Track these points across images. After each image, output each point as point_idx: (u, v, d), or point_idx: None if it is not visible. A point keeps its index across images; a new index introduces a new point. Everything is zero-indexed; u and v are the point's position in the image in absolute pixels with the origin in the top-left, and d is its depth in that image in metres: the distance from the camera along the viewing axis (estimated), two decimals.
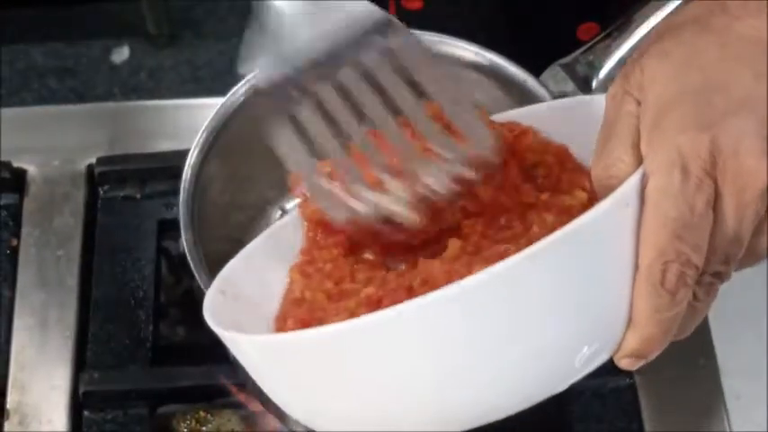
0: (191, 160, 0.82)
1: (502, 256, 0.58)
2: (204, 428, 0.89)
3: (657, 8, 0.79)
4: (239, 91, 0.84)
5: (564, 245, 0.56)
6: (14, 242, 0.96)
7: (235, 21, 2.15)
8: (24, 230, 0.97)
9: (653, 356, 0.60)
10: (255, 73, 0.64)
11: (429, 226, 0.64)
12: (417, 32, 0.84)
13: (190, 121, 0.99)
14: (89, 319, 0.93)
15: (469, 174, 0.63)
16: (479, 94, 0.83)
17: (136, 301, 0.93)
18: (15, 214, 0.97)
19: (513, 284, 0.55)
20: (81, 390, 0.89)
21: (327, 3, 0.66)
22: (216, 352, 0.86)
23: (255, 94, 0.64)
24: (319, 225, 0.68)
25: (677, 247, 0.57)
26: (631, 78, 0.61)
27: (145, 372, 0.91)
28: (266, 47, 0.66)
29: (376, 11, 0.66)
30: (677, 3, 0.79)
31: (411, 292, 0.60)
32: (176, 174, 0.83)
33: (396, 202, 0.63)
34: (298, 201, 0.70)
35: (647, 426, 0.88)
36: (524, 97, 0.81)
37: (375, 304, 0.60)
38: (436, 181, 0.63)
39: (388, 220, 0.64)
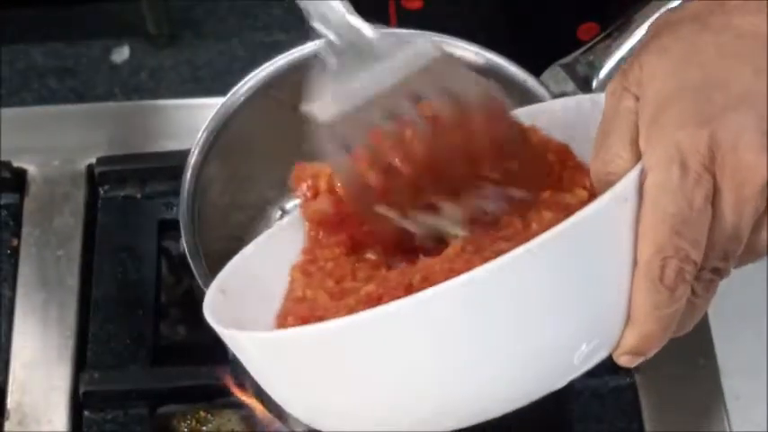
0: (191, 160, 0.82)
1: (501, 254, 0.58)
2: (204, 428, 0.89)
3: (657, 8, 0.79)
4: (239, 91, 0.84)
5: (562, 240, 0.56)
6: (15, 242, 0.96)
7: (235, 21, 2.15)
8: (25, 230, 0.97)
9: (652, 353, 0.60)
10: (316, 109, 0.65)
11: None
12: (418, 32, 0.85)
13: (190, 121, 0.99)
14: (89, 319, 0.93)
15: (520, 194, 0.64)
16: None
17: (136, 300, 0.93)
18: (16, 214, 0.98)
19: (511, 279, 0.55)
20: (81, 390, 0.89)
21: (390, 39, 0.66)
22: (216, 352, 0.87)
23: (317, 129, 0.64)
24: (321, 225, 0.68)
25: (676, 242, 0.57)
26: (630, 75, 0.62)
27: (145, 372, 0.91)
28: (328, 85, 0.66)
29: (436, 48, 0.66)
30: (677, 2, 0.79)
31: (411, 290, 0.60)
32: (176, 174, 0.83)
33: (451, 224, 0.64)
34: (298, 201, 0.71)
35: (647, 425, 0.88)
36: (524, 97, 0.81)
37: (375, 301, 0.61)
38: (491, 203, 0.64)
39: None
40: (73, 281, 0.94)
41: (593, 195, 0.64)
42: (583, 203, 0.63)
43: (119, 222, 0.97)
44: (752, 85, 0.59)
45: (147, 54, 2.12)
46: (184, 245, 0.79)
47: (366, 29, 0.67)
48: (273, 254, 0.69)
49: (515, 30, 0.96)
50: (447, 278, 0.57)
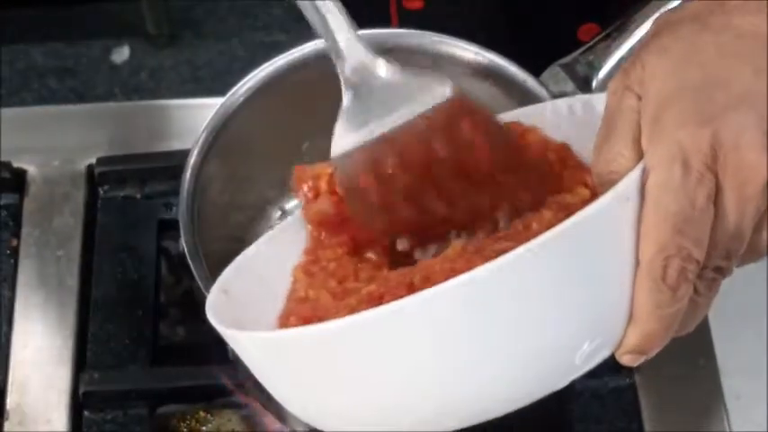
0: (190, 160, 0.82)
1: (502, 253, 0.58)
2: (204, 428, 0.89)
3: (657, 8, 0.79)
4: (239, 91, 0.84)
5: (564, 239, 0.56)
6: (14, 242, 0.96)
7: (235, 21, 2.15)
8: (24, 230, 0.97)
9: (654, 352, 0.60)
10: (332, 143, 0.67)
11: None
12: (418, 32, 0.85)
13: (190, 121, 0.99)
14: (89, 319, 0.93)
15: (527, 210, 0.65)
16: (479, 95, 0.83)
17: (136, 301, 0.93)
18: (15, 214, 0.97)
19: (512, 279, 0.55)
20: (81, 390, 0.89)
21: (405, 77, 0.68)
22: (216, 352, 0.87)
23: (333, 159, 0.66)
24: (323, 226, 0.68)
25: (678, 241, 0.57)
26: (632, 74, 0.62)
27: (145, 372, 0.91)
28: (342, 120, 0.68)
29: (450, 85, 0.67)
30: (676, 2, 0.79)
31: (412, 289, 0.60)
32: (176, 174, 0.83)
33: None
34: (299, 202, 0.71)
35: (647, 426, 0.88)
36: (524, 97, 0.81)
37: (376, 301, 0.61)
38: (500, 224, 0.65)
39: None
40: (72, 281, 0.94)
41: (594, 193, 0.64)
42: (584, 202, 0.63)
43: (118, 222, 0.97)
44: (752, 85, 0.59)
45: (147, 54, 2.12)
46: (184, 245, 0.79)
47: (381, 66, 0.68)
48: (276, 254, 0.69)
49: (516, 30, 0.96)
50: (448, 278, 0.57)
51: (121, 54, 2.12)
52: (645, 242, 0.58)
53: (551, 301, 0.57)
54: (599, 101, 0.65)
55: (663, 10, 0.79)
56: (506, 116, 0.72)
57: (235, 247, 0.79)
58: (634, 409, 0.88)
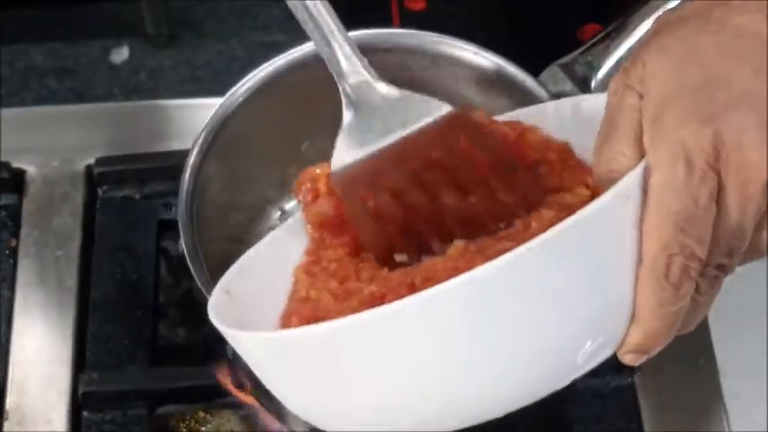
0: (190, 160, 0.82)
1: (504, 253, 0.58)
2: (203, 429, 0.89)
3: (657, 8, 0.79)
4: (238, 91, 0.84)
5: (564, 238, 0.56)
6: (14, 242, 0.96)
7: (235, 21, 2.15)
8: (23, 231, 0.97)
9: (656, 351, 0.60)
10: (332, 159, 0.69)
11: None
12: (418, 33, 0.85)
13: (189, 122, 0.99)
14: (88, 319, 0.93)
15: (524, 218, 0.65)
16: (479, 94, 0.83)
17: (135, 301, 0.93)
18: (14, 215, 0.97)
19: (513, 278, 0.55)
20: (80, 390, 0.89)
21: (403, 95, 0.69)
22: (215, 352, 0.87)
23: (332, 176, 0.68)
24: (324, 227, 0.68)
25: (681, 240, 0.57)
26: (632, 73, 0.62)
27: (144, 372, 0.91)
28: (342, 137, 0.69)
29: (447, 105, 0.69)
30: (676, 2, 0.79)
31: (413, 289, 0.60)
32: (175, 174, 0.83)
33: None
34: (298, 203, 0.71)
35: (647, 426, 0.88)
36: (524, 97, 0.81)
37: (378, 301, 0.61)
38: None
39: None
40: (72, 281, 0.94)
41: (594, 193, 0.64)
42: (584, 202, 0.63)
43: (118, 223, 0.97)
44: (752, 84, 0.59)
45: (147, 54, 2.12)
46: (183, 245, 0.79)
47: (381, 86, 0.69)
48: (278, 255, 0.69)
49: (517, 30, 0.96)
50: (450, 277, 0.57)
51: (121, 54, 2.11)
52: (647, 240, 0.58)
53: (553, 300, 0.57)
54: (599, 101, 0.65)
55: (662, 10, 0.79)
56: (508, 116, 0.72)
57: (234, 247, 0.79)
58: (633, 410, 0.88)
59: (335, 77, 0.70)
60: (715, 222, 0.58)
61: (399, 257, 0.66)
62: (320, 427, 0.63)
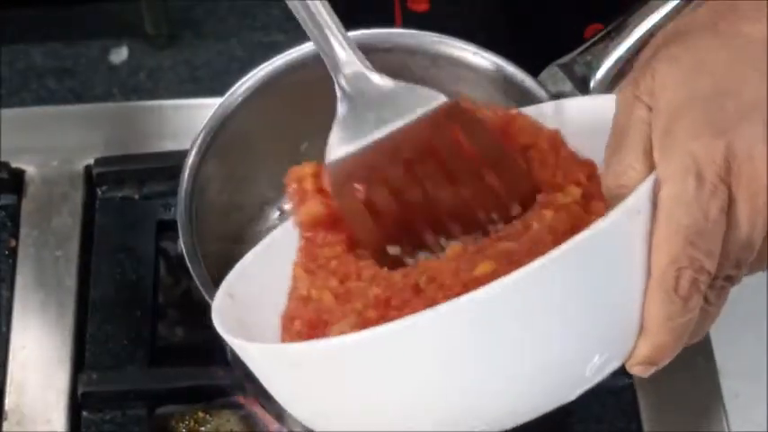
0: (189, 160, 0.82)
1: (507, 253, 0.58)
2: (203, 429, 0.89)
3: (656, 8, 0.79)
4: (237, 91, 0.84)
5: (575, 255, 0.56)
6: (13, 243, 0.96)
7: (234, 21, 2.15)
8: (23, 231, 0.97)
9: (665, 363, 0.60)
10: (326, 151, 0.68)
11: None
12: (418, 33, 0.85)
13: (188, 122, 0.99)
14: (87, 319, 0.93)
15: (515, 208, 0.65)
16: (479, 94, 0.83)
17: (134, 301, 0.93)
18: (14, 215, 0.97)
19: (524, 295, 0.55)
20: (79, 390, 0.89)
21: (398, 86, 0.68)
22: (214, 352, 0.87)
23: (327, 166, 0.67)
24: (317, 226, 0.68)
25: (690, 253, 0.57)
26: (642, 84, 0.61)
27: (143, 372, 0.91)
28: (337, 128, 0.68)
29: (443, 95, 0.68)
30: (676, 2, 0.79)
31: (418, 291, 0.60)
32: (175, 174, 0.83)
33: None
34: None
35: (646, 426, 0.88)
36: (523, 97, 0.81)
37: (383, 304, 0.60)
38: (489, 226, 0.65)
39: None
40: (71, 281, 0.94)
41: (586, 192, 0.64)
42: (576, 201, 0.63)
43: (117, 223, 0.97)
44: (761, 92, 0.59)
45: (146, 54, 2.12)
46: (182, 245, 0.79)
47: (375, 77, 0.69)
48: (280, 255, 0.69)
49: (517, 30, 0.96)
50: (454, 277, 0.57)
51: (120, 54, 2.11)
52: (657, 254, 0.58)
53: (562, 316, 0.57)
54: (597, 102, 0.65)
55: (661, 10, 0.79)
56: None
57: (233, 247, 0.79)
58: (633, 410, 0.88)
59: (330, 70, 0.69)
60: (725, 235, 0.58)
61: (392, 250, 0.65)
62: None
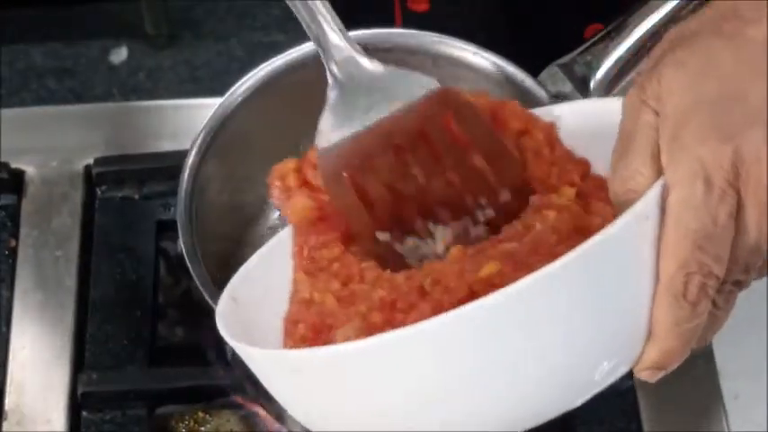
0: (188, 160, 0.82)
1: (510, 254, 0.58)
2: (203, 429, 0.89)
3: (656, 8, 0.79)
4: (237, 91, 0.84)
5: (585, 260, 0.55)
6: (13, 243, 0.96)
7: (234, 21, 2.15)
8: (23, 231, 0.97)
9: (673, 367, 0.60)
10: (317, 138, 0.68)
11: None
12: (418, 33, 0.85)
13: (188, 122, 0.99)
14: (87, 319, 0.93)
15: (504, 195, 0.65)
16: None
17: (134, 301, 0.93)
18: (13, 215, 0.97)
19: (531, 303, 0.55)
20: (79, 390, 0.89)
21: (389, 72, 0.68)
22: (214, 352, 0.87)
23: (319, 154, 0.67)
24: (313, 225, 0.67)
25: (699, 258, 0.57)
26: (648, 89, 0.61)
27: (143, 372, 0.91)
28: (328, 115, 0.68)
29: (434, 81, 0.68)
30: (676, 2, 0.79)
31: (423, 293, 0.60)
32: (175, 174, 0.83)
33: (440, 247, 0.66)
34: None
35: (646, 426, 0.88)
36: (523, 97, 0.81)
37: (388, 308, 0.60)
38: (479, 227, 0.65)
39: None
40: (71, 281, 0.94)
41: (581, 192, 0.64)
42: (572, 201, 0.63)
43: (117, 223, 0.97)
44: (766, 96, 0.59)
45: (146, 54, 2.12)
46: (182, 245, 0.79)
47: (366, 62, 0.69)
48: (283, 258, 0.69)
49: (517, 30, 0.96)
50: (459, 279, 0.57)
51: (120, 54, 2.11)
52: (665, 259, 0.58)
53: (570, 323, 0.57)
54: (598, 105, 0.65)
55: (661, 10, 0.79)
56: None
57: (233, 247, 0.79)
58: (633, 410, 0.88)
59: (322, 56, 0.69)
60: (733, 240, 0.58)
61: (382, 236, 0.65)
62: None
